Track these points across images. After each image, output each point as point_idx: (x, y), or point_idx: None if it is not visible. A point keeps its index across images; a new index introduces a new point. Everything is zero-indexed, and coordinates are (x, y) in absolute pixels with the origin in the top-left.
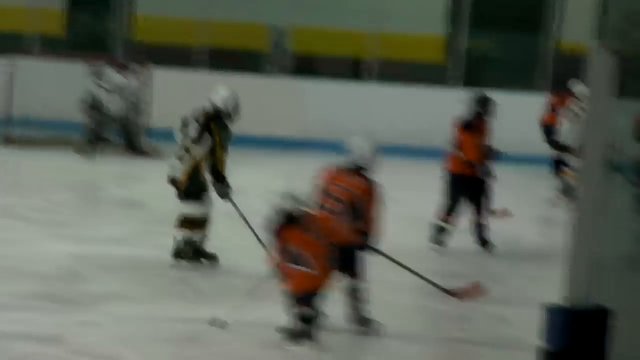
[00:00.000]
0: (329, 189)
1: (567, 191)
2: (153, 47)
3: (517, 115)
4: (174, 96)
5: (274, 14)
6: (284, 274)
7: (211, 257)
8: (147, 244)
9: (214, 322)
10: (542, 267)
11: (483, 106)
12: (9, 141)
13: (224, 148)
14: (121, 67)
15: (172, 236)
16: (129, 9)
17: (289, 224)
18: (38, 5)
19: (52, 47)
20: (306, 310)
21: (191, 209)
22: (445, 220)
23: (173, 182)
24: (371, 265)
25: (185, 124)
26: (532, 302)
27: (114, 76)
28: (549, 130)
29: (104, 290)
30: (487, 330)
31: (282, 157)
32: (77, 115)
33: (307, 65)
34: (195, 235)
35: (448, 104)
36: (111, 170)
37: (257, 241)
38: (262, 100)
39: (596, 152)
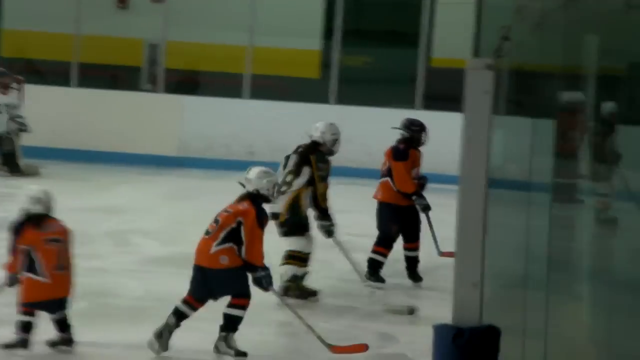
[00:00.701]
0: (219, 213)
1: None
2: (25, 62)
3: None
4: (49, 112)
5: (149, 29)
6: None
7: (312, 294)
8: None
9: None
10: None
11: (413, 132)
12: None
13: (323, 181)
14: (3, 85)
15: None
16: None
17: (29, 224)
18: None
19: None
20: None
21: (295, 244)
22: (383, 254)
23: (274, 217)
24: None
25: (287, 159)
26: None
27: None
28: None
29: None
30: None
31: (161, 175)
32: None
33: (185, 81)
34: (299, 271)
35: (324, 119)
36: None
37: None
38: (139, 117)
39: (476, 171)
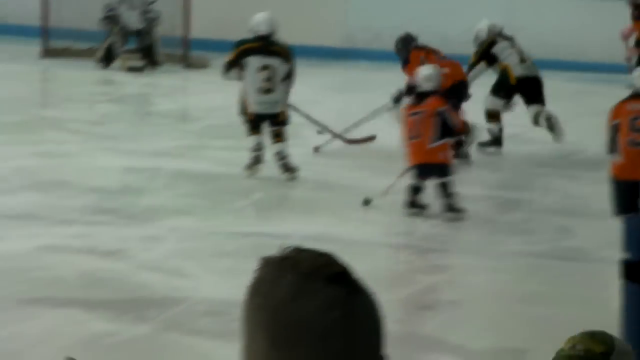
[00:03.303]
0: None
1: None
2: None
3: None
4: (214, 8)
5: None
6: None
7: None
8: (203, 158)
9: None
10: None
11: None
12: (48, 53)
13: None
14: None
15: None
16: None
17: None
18: None
19: None
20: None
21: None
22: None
23: None
24: None
25: None
26: (595, 213)
27: None
28: None
29: (163, 204)
30: (551, 242)
31: (326, 67)
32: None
33: None
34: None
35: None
36: (158, 83)
37: None
38: (303, 7)
39: None
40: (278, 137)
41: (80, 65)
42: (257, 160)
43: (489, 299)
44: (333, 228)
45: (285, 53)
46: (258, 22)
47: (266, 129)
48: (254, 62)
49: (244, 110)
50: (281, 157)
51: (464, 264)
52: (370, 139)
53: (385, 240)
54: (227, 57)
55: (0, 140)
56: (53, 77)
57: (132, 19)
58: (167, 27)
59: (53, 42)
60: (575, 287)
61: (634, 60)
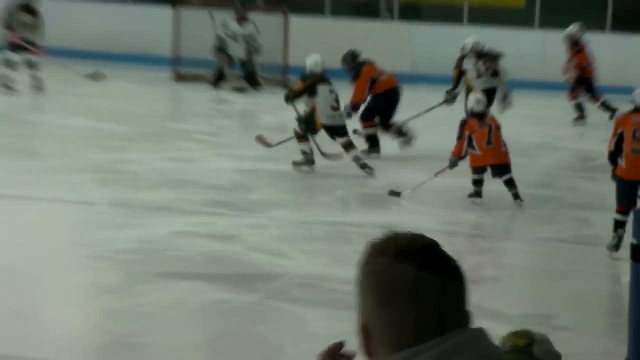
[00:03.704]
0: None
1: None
2: None
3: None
4: (307, 39)
5: None
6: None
7: None
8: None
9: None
10: None
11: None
12: (179, 77)
13: None
14: (241, 19)
15: None
16: None
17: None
18: None
19: None
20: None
21: None
22: None
23: None
24: None
25: None
26: (610, 207)
27: (234, 25)
28: None
29: (266, 199)
30: (573, 230)
31: None
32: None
33: (411, 9)
34: None
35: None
36: (261, 102)
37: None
38: (378, 40)
39: None
40: (349, 146)
41: (199, 87)
42: (310, 162)
43: (523, 275)
44: (398, 217)
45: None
46: (316, 62)
47: (335, 139)
48: (323, 88)
49: (312, 125)
50: (357, 159)
51: (503, 247)
52: (339, 156)
53: (441, 228)
54: (296, 87)
55: (140, 147)
56: (180, 97)
57: (237, 50)
58: (270, 55)
59: (180, 68)
60: (592, 266)
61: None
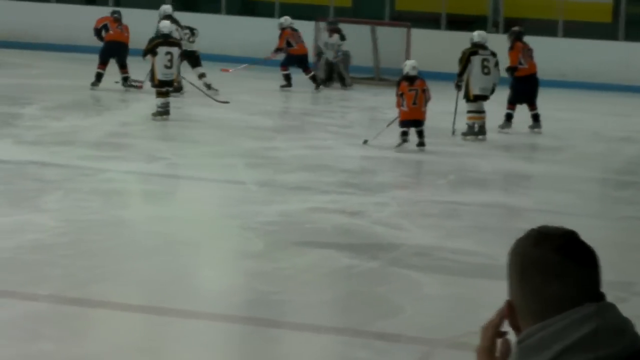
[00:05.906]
0: None
1: None
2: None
3: None
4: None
5: None
6: None
7: None
8: (413, 150)
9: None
10: None
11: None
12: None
13: None
14: (333, 30)
15: None
16: None
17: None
18: None
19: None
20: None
21: None
22: None
23: None
24: None
25: None
26: None
27: (325, 36)
28: None
29: (388, 181)
30: None
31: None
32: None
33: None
34: None
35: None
36: (384, 100)
37: None
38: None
39: None
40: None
41: (333, 87)
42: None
43: (607, 248)
44: (500, 198)
45: None
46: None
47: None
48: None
49: None
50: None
51: (589, 225)
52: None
53: (536, 207)
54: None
55: (284, 137)
56: (316, 96)
57: (330, 55)
58: (393, 61)
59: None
60: None
61: None
